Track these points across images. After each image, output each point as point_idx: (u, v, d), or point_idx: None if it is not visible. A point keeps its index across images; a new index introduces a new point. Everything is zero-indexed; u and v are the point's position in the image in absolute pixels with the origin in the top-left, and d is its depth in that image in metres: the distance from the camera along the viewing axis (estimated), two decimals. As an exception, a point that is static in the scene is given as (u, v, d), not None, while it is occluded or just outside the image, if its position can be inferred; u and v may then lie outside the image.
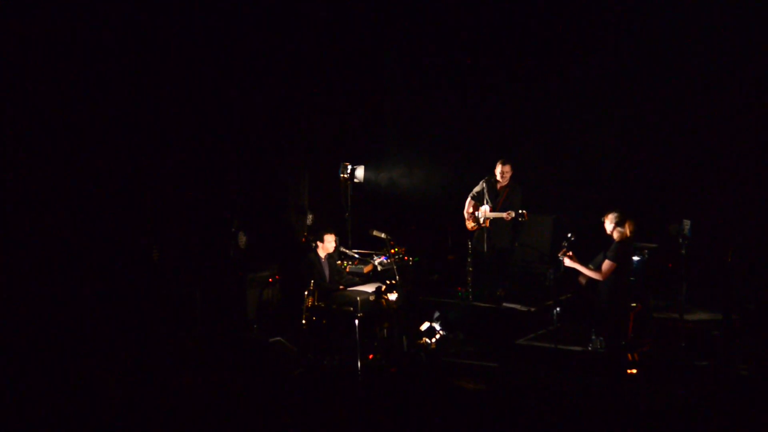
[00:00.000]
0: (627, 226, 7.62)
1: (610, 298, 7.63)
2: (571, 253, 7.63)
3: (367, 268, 8.94)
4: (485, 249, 9.19)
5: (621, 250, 7.56)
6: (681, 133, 9.81)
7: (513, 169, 9.25)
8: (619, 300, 7.63)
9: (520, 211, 8.82)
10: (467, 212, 9.43)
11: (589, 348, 7.75)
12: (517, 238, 9.92)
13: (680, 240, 8.06)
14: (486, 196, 9.24)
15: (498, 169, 9.25)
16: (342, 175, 10.02)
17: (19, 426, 6.07)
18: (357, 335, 7.42)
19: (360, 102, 11.29)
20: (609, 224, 7.71)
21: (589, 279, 7.68)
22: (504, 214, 8.96)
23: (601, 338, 7.71)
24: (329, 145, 10.75)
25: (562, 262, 7.70)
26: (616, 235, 7.65)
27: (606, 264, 7.54)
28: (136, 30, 8.23)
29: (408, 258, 9.07)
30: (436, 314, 8.72)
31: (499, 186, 9.27)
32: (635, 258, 8.61)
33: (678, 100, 9.79)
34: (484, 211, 9.18)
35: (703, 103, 9.61)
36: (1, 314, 7.18)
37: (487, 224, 9.15)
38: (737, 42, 9.28)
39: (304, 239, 9.58)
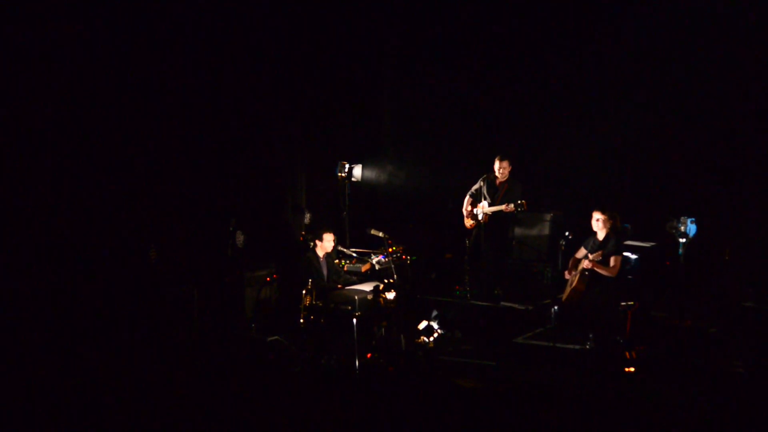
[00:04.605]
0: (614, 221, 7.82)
1: (606, 296, 7.69)
2: (591, 257, 7.69)
3: (364, 267, 8.94)
4: (483, 247, 9.19)
5: (621, 243, 7.70)
6: (680, 131, 9.82)
7: (511, 165, 9.26)
8: (614, 297, 7.70)
9: (519, 202, 8.81)
10: (466, 210, 9.44)
11: (587, 346, 7.76)
12: (514, 236, 9.93)
13: (678, 237, 8.07)
14: (484, 193, 9.25)
15: (496, 165, 9.26)
16: (339, 174, 10.03)
17: (20, 426, 6.06)
18: (355, 334, 7.42)
19: (357, 101, 11.28)
20: (603, 224, 7.83)
21: (589, 280, 7.73)
22: (503, 207, 8.95)
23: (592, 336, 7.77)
24: (327, 144, 10.75)
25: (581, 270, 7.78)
26: (611, 231, 7.77)
27: (615, 260, 7.71)
28: (135, 30, 8.22)
29: (406, 257, 9.07)
30: (434, 313, 8.71)
31: (498, 182, 9.28)
32: (633, 256, 8.64)
33: (677, 98, 9.79)
34: (482, 206, 9.19)
35: (703, 101, 9.61)
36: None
37: (486, 220, 9.15)
38: (739, 39, 9.28)
39: (302, 238, 9.58)
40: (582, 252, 8.14)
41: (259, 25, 9.56)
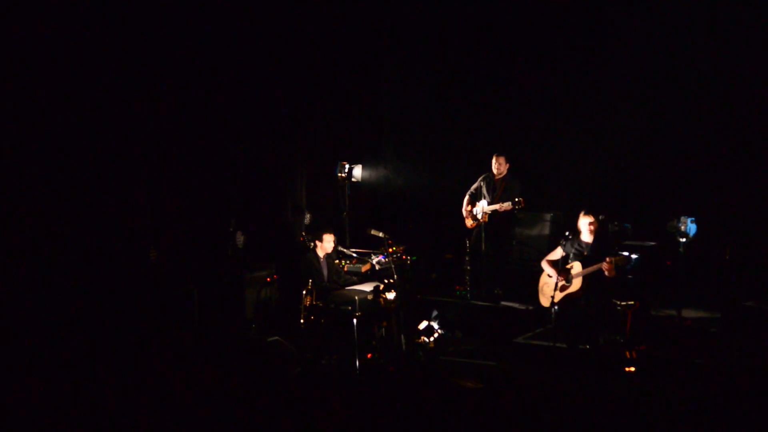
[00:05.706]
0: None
1: (606, 296, 7.70)
2: (615, 260, 7.63)
3: (365, 267, 8.94)
4: (483, 247, 9.19)
5: (613, 244, 7.71)
6: (680, 130, 9.80)
7: (508, 161, 9.29)
8: (611, 297, 7.71)
9: (516, 199, 8.80)
10: (465, 210, 9.45)
11: (588, 346, 7.76)
12: (515, 236, 9.93)
13: (678, 237, 8.07)
14: (484, 192, 9.27)
15: (493, 161, 9.29)
16: (339, 175, 10.03)
17: (19, 426, 6.07)
18: (355, 334, 7.42)
19: (357, 101, 11.28)
20: (595, 228, 7.82)
21: (588, 283, 7.74)
22: (497, 206, 8.96)
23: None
24: (327, 145, 10.75)
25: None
26: (601, 233, 7.80)
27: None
28: (134, 30, 8.23)
29: (406, 257, 9.07)
30: (435, 313, 8.73)
31: (496, 180, 9.30)
32: (634, 256, 8.63)
33: (677, 98, 9.77)
34: (482, 206, 9.20)
35: (703, 101, 9.60)
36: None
37: (486, 219, 9.15)
38: (739, 38, 9.27)
39: (302, 239, 9.58)
40: (559, 253, 8.00)
41: (259, 25, 9.56)
